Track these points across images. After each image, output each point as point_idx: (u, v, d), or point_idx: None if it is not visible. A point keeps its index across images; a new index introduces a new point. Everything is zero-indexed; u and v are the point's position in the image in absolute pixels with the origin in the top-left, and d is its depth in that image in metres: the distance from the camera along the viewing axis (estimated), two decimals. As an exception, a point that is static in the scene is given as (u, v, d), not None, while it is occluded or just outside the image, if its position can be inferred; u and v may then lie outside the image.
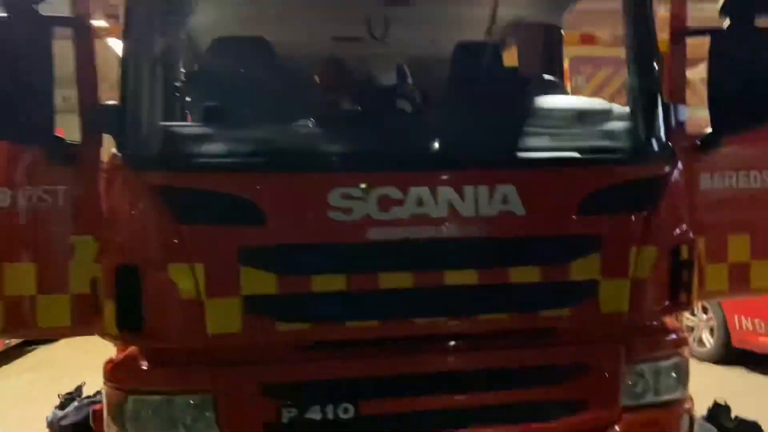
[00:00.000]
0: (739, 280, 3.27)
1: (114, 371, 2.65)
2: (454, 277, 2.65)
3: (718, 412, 4.26)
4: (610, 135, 2.93)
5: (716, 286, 3.25)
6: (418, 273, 2.63)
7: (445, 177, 2.64)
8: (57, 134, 2.62)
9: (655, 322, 3.02)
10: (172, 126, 2.61)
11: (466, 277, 2.66)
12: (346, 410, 2.58)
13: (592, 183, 2.78)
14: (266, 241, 2.54)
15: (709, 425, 4.14)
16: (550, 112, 2.99)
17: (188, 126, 2.68)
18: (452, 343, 2.71)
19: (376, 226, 2.57)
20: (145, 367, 2.60)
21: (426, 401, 2.66)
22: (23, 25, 2.54)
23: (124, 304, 2.51)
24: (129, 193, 2.55)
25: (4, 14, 2.53)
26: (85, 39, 2.78)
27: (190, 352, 2.60)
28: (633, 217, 2.81)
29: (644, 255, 2.80)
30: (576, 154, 2.79)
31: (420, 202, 2.59)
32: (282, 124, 2.78)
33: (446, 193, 2.61)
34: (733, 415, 4.30)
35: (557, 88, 3.55)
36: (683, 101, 3.24)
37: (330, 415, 2.57)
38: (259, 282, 2.52)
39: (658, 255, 2.83)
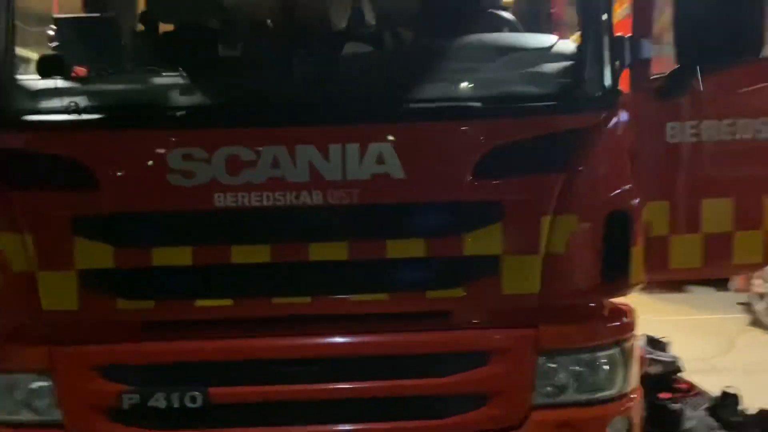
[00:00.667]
0: (718, 254, 2.68)
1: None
2: (319, 251, 2.29)
3: (725, 403, 3.66)
4: (530, 78, 2.41)
5: (686, 262, 2.68)
6: (276, 246, 2.28)
7: (305, 133, 2.24)
8: None
9: (591, 305, 2.53)
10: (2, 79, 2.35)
11: (334, 251, 2.29)
12: (194, 399, 2.31)
13: (491, 138, 2.29)
14: (100, 208, 2.27)
15: (709, 419, 3.57)
16: (458, 54, 2.50)
17: (18, 79, 2.41)
18: (320, 326, 2.36)
19: (224, 191, 2.24)
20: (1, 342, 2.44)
21: (288, 391, 2.34)
22: None
23: None
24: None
25: None
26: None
27: (36, 329, 2.40)
28: (546, 180, 2.31)
29: (561, 225, 2.31)
30: (474, 104, 2.30)
31: (276, 164, 2.23)
32: (134, 76, 2.47)
33: (307, 152, 2.23)
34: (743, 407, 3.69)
35: (505, 25, 2.99)
36: (647, 34, 2.64)
37: (176, 404, 2.31)
38: (95, 254, 2.28)
39: (581, 225, 2.33)
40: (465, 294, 2.33)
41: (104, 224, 2.28)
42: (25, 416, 2.38)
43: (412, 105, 2.31)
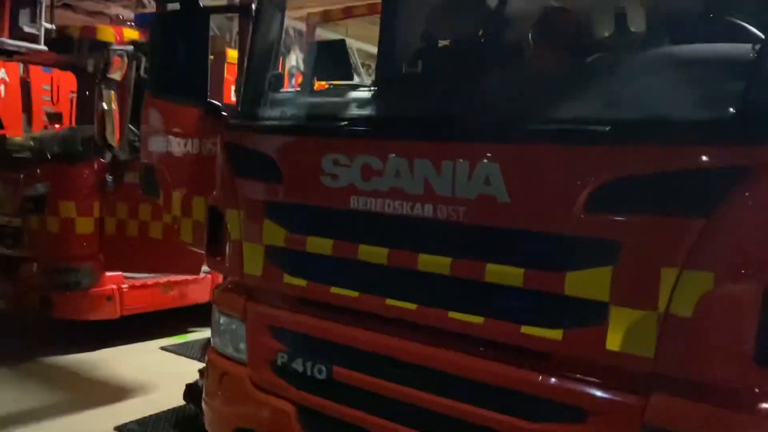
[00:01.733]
0: None
1: (215, 289, 3.24)
2: (426, 263, 2.27)
3: None
4: (684, 99, 1.90)
5: None
6: (392, 251, 2.35)
7: (421, 148, 2.25)
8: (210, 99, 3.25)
9: (740, 387, 1.89)
10: (247, 93, 2.91)
11: (439, 264, 2.24)
12: (320, 371, 2.56)
13: (612, 168, 1.91)
14: (281, 198, 2.68)
15: None
16: (607, 71, 2.12)
17: (255, 92, 2.91)
18: (425, 335, 2.32)
19: (357, 195, 2.41)
20: (226, 291, 3.09)
21: (389, 388, 2.39)
22: (188, 14, 3.21)
23: (210, 237, 3.05)
24: (219, 148, 3.03)
25: (176, 6, 3.25)
26: (248, 22, 3.30)
27: (244, 285, 2.96)
28: (675, 224, 1.83)
29: (690, 282, 1.81)
30: (597, 127, 1.94)
31: (398, 174, 2.30)
32: (323, 92, 2.78)
33: (423, 166, 2.24)
34: None
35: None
36: None
37: (308, 371, 2.59)
38: (275, 234, 2.70)
39: (721, 287, 1.78)
40: (563, 338, 2.01)
41: (282, 211, 2.67)
42: (230, 351, 2.95)
43: (525, 125, 2.07)
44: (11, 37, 4.96)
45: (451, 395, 2.25)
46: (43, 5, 5.04)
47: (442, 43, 2.92)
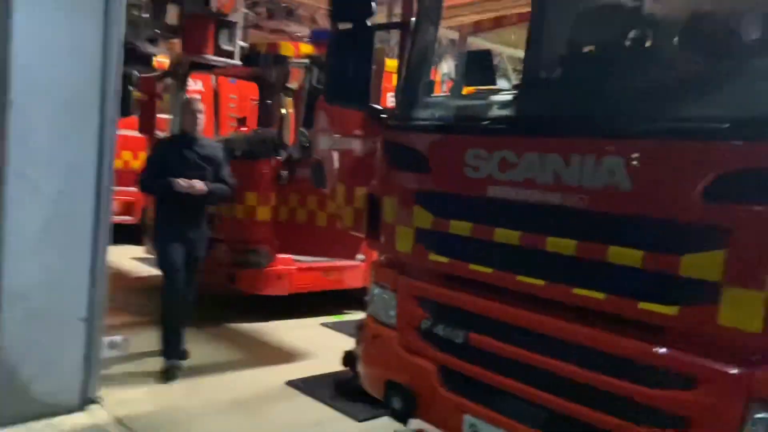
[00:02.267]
0: None
1: (372, 264, 3.69)
2: (554, 244, 2.53)
3: None
4: None
5: None
6: (524, 234, 2.64)
7: (553, 144, 2.52)
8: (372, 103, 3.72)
9: None
10: (404, 97, 3.32)
11: (566, 246, 2.50)
12: (458, 336, 2.90)
13: (728, 162, 2.07)
14: (429, 186, 3.06)
15: None
16: (724, 76, 2.25)
17: (411, 97, 3.28)
18: (551, 308, 2.58)
19: (494, 184, 2.72)
20: (381, 266, 3.54)
21: (517, 353, 2.68)
22: (357, 32, 3.70)
23: (369, 221, 3.51)
24: (379, 145, 3.48)
25: (349, 26, 3.75)
26: (406, 36, 3.73)
27: (396, 261, 3.38)
28: (786, 213, 1.96)
29: None
30: (714, 125, 2.10)
31: (530, 167, 2.59)
32: (465, 95, 3.11)
33: (553, 160, 2.51)
34: None
35: None
36: None
37: (447, 335, 2.95)
38: (423, 218, 3.09)
39: None
40: (677, 314, 2.19)
41: (429, 198, 3.05)
42: (383, 317, 3.39)
43: (650, 123, 2.27)
44: (214, 54, 5.85)
45: (574, 363, 2.49)
46: (239, 27, 5.88)
47: (585, 49, 3.13)
